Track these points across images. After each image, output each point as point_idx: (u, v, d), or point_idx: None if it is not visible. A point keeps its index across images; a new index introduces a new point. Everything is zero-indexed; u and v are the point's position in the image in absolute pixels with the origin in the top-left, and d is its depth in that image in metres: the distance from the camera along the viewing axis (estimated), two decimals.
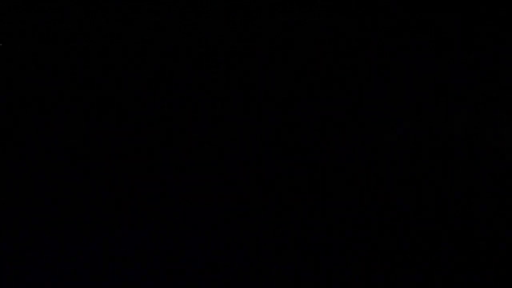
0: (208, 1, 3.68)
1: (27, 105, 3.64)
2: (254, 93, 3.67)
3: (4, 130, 3.63)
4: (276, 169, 3.64)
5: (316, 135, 3.66)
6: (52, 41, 3.65)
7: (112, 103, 3.65)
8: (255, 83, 3.67)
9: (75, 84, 3.65)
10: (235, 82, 3.67)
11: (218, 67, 3.67)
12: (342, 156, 3.64)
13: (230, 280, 3.32)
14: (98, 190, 3.60)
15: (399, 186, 3.62)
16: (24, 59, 3.65)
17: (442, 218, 3.55)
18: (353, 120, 3.67)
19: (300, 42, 3.68)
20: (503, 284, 3.29)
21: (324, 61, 3.68)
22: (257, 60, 3.67)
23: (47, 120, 3.63)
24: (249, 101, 3.67)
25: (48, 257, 3.39)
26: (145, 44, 3.67)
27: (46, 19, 3.65)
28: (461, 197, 3.58)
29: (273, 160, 3.64)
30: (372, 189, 3.62)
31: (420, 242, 3.48)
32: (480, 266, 3.38)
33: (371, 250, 3.46)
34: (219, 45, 3.67)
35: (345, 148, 3.64)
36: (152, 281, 3.32)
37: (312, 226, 3.56)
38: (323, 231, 3.54)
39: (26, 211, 3.55)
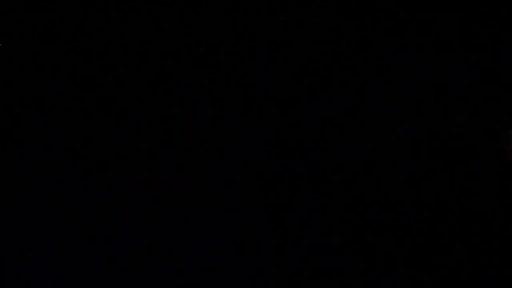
0: (208, 1, 3.68)
1: (27, 105, 3.64)
2: (254, 93, 3.67)
3: (4, 130, 3.63)
4: (276, 169, 3.64)
5: (316, 135, 3.66)
6: (52, 41, 3.65)
7: (112, 103, 3.65)
8: (255, 83, 3.67)
9: (75, 84, 3.65)
10: (235, 82, 3.67)
11: (218, 67, 3.67)
12: (342, 156, 3.64)
13: (230, 280, 3.32)
14: (98, 190, 3.60)
15: (399, 186, 3.62)
16: (24, 59, 3.65)
17: (442, 218, 3.55)
18: (353, 120, 3.67)
19: (300, 42, 3.68)
20: (504, 284, 3.29)
21: (324, 61, 3.68)
22: (257, 60, 3.67)
23: (47, 120, 3.63)
24: (249, 101, 3.67)
25: (48, 257, 3.39)
26: (145, 44, 3.67)
27: (46, 19, 3.65)
28: (461, 197, 3.58)
29: (273, 160, 3.64)
30: (372, 189, 3.62)
31: (420, 242, 3.48)
32: (480, 266, 3.38)
33: (371, 250, 3.46)
34: (219, 45, 3.67)
35: (345, 148, 3.64)
36: (152, 281, 3.32)
37: (312, 226, 3.56)
38: (323, 231, 3.54)
39: (26, 211, 3.55)
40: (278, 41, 3.68)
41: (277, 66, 3.68)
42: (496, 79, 3.64)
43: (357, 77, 3.67)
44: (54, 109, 3.65)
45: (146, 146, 3.65)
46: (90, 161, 3.63)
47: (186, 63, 3.68)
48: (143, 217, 3.56)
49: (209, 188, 3.62)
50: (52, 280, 3.28)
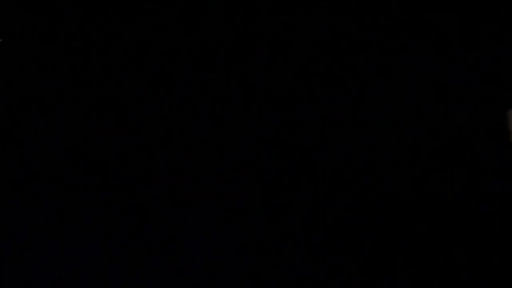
0: (208, 1, 3.68)
1: (27, 105, 3.64)
2: (254, 93, 3.67)
3: (4, 130, 3.63)
4: (276, 169, 3.64)
5: (316, 135, 3.66)
6: (52, 41, 3.65)
7: (112, 103, 3.65)
8: (255, 83, 3.67)
9: (75, 84, 3.65)
10: (235, 82, 3.67)
11: (218, 67, 3.67)
12: (342, 156, 3.64)
13: (230, 280, 3.32)
14: (98, 190, 3.60)
15: (399, 186, 3.62)
16: (24, 59, 3.65)
17: (442, 218, 3.55)
18: (353, 120, 3.67)
19: (300, 42, 3.68)
20: (504, 284, 3.29)
21: (324, 61, 3.68)
22: (257, 60, 3.67)
23: (47, 120, 3.63)
24: (249, 101, 3.67)
25: (48, 257, 3.39)
26: (145, 44, 3.67)
27: (46, 19, 3.65)
28: (461, 197, 3.58)
29: (273, 160, 3.64)
30: (372, 189, 3.62)
31: (420, 242, 3.48)
32: (481, 266, 3.38)
33: (371, 250, 3.46)
34: (219, 45, 3.67)
35: (345, 148, 3.65)
36: (152, 281, 3.32)
37: (312, 226, 3.56)
38: (323, 231, 3.54)
39: (26, 211, 3.55)
40: (278, 41, 3.68)
41: (277, 66, 3.68)
42: (496, 79, 3.64)
43: (357, 77, 3.67)
44: (54, 109, 3.65)
45: (146, 146, 3.65)
46: (90, 161, 3.63)
47: (186, 63, 3.68)
48: (143, 217, 3.56)
49: (209, 188, 3.62)
50: (52, 280, 3.28)
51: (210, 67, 3.68)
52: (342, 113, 3.67)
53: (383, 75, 3.67)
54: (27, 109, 3.65)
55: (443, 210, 3.57)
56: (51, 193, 3.59)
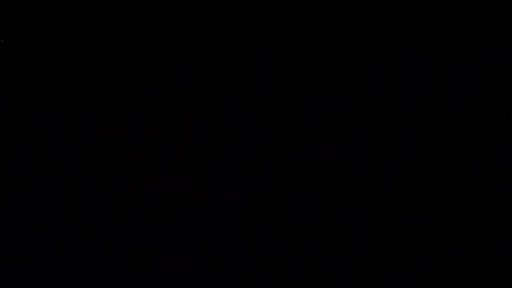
0: (208, 1, 3.67)
1: (27, 105, 3.64)
2: (254, 93, 3.67)
3: (4, 130, 3.63)
4: (276, 169, 3.64)
5: (316, 135, 3.66)
6: (52, 41, 3.65)
7: (112, 103, 3.65)
8: (255, 83, 3.67)
9: (75, 84, 3.65)
10: (235, 82, 3.67)
11: (218, 67, 3.67)
12: (342, 156, 3.64)
13: (230, 280, 3.32)
14: (98, 190, 3.60)
15: (399, 186, 3.61)
16: (24, 59, 3.65)
17: (442, 218, 3.55)
18: (353, 120, 3.66)
19: (300, 42, 3.68)
20: (504, 284, 3.29)
21: (324, 61, 3.68)
22: (257, 60, 3.67)
23: (47, 120, 3.63)
24: (249, 101, 3.67)
25: (48, 257, 3.39)
26: (145, 44, 3.66)
27: (46, 19, 3.65)
28: (461, 197, 3.58)
29: (273, 160, 3.64)
30: (372, 189, 3.61)
31: (421, 241, 3.48)
32: (481, 266, 3.37)
33: (371, 250, 3.46)
34: (219, 45, 3.67)
35: (345, 148, 3.64)
36: (152, 281, 3.32)
37: (312, 226, 3.56)
38: (323, 231, 3.54)
39: (26, 211, 3.55)
40: (278, 41, 3.68)
41: (277, 66, 3.68)
42: (496, 79, 3.64)
43: (357, 77, 3.67)
44: (54, 109, 3.64)
45: (146, 146, 3.64)
46: (90, 161, 3.63)
47: (186, 63, 3.67)
48: (143, 217, 3.56)
49: (209, 188, 3.62)
50: (52, 280, 3.27)
51: (210, 67, 3.68)
52: (342, 113, 3.67)
53: (383, 75, 3.67)
54: (27, 109, 3.65)
55: (443, 210, 3.57)
56: (51, 193, 3.59)
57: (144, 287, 3.32)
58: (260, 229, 3.55)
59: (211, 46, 3.68)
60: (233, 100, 3.67)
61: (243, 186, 3.62)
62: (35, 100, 3.65)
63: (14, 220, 3.53)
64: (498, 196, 3.56)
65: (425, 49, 3.66)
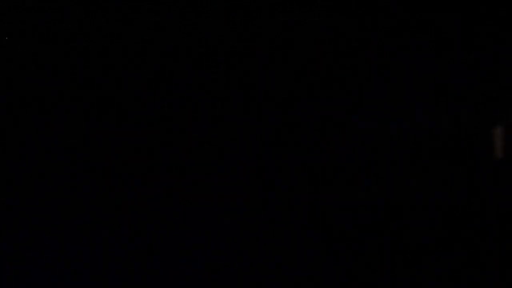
0: (208, 1, 3.67)
1: (27, 105, 3.64)
2: (254, 93, 3.67)
3: (4, 130, 3.63)
4: (276, 169, 3.64)
5: (316, 135, 3.66)
6: (52, 41, 3.65)
7: (112, 103, 3.65)
8: (255, 83, 3.67)
9: (75, 84, 3.65)
10: (235, 82, 3.67)
11: (218, 67, 3.67)
12: (342, 156, 3.64)
13: (229, 280, 3.32)
14: (98, 190, 3.60)
15: (399, 186, 3.61)
16: (24, 59, 3.65)
17: (442, 218, 3.55)
18: (353, 120, 3.66)
19: (300, 42, 3.68)
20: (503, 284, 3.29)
21: (324, 61, 3.68)
22: (257, 60, 3.67)
23: (47, 120, 3.63)
24: (249, 101, 3.67)
25: (48, 257, 3.39)
26: (145, 44, 3.66)
27: (46, 19, 3.65)
28: (461, 197, 3.58)
29: (273, 160, 3.64)
30: (372, 189, 3.61)
31: (420, 241, 3.48)
32: (481, 266, 3.37)
33: (371, 250, 3.46)
34: (219, 45, 3.67)
35: (345, 148, 3.64)
36: (152, 281, 3.32)
37: (312, 226, 3.56)
38: (323, 231, 3.54)
39: (26, 211, 3.55)
40: (278, 41, 3.68)
41: (277, 66, 3.67)
42: (496, 79, 3.64)
43: (357, 77, 3.67)
44: (54, 109, 3.64)
45: (146, 146, 3.64)
46: (90, 161, 3.63)
47: (186, 63, 3.67)
48: (143, 217, 3.56)
49: (209, 188, 3.62)
50: (52, 280, 3.27)
51: (210, 67, 3.68)
52: (342, 113, 3.67)
53: (383, 75, 3.67)
54: (27, 109, 3.64)
55: (443, 209, 3.57)
56: (51, 193, 3.59)
57: (144, 287, 3.32)
58: (260, 229, 3.55)
59: (211, 46, 3.67)
60: (233, 100, 3.67)
61: (243, 186, 3.62)
62: (35, 100, 3.65)
63: (14, 220, 3.52)
64: (498, 196, 3.56)
65: (425, 49, 3.66)
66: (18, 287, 3.28)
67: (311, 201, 3.61)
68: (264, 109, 3.66)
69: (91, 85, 3.65)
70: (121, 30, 3.66)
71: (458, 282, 3.33)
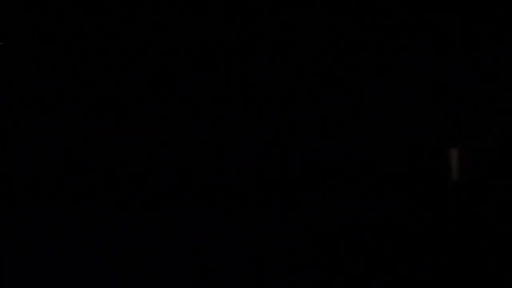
0: (208, 1, 3.68)
1: (27, 105, 3.64)
2: (254, 93, 3.67)
3: (4, 130, 3.63)
4: (276, 169, 3.64)
5: (316, 135, 3.66)
6: (52, 41, 3.65)
7: (112, 103, 3.65)
8: (255, 83, 3.67)
9: (75, 84, 3.65)
10: (235, 82, 3.67)
11: (218, 67, 3.67)
12: (342, 156, 3.65)
13: (230, 280, 3.32)
14: (98, 190, 3.60)
15: (399, 186, 3.62)
16: (24, 59, 3.65)
17: (441, 218, 3.55)
18: (353, 120, 3.67)
19: (300, 42, 3.68)
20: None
21: (324, 61, 3.68)
22: (257, 60, 3.67)
23: (47, 120, 3.63)
24: (249, 101, 3.67)
25: (48, 257, 3.39)
26: (145, 44, 3.67)
27: (46, 19, 3.65)
28: (461, 196, 3.58)
29: (273, 160, 3.64)
30: (372, 189, 3.62)
31: (420, 242, 3.48)
32: (481, 266, 3.38)
33: (370, 250, 3.46)
34: (219, 45, 3.67)
35: (345, 148, 3.65)
36: (152, 281, 3.32)
37: (312, 226, 3.56)
38: (323, 231, 3.54)
39: (26, 211, 3.55)
40: (278, 41, 3.69)
41: (277, 66, 3.68)
42: (496, 79, 3.64)
43: (357, 77, 3.67)
44: (54, 109, 3.65)
45: (146, 146, 3.65)
46: (89, 161, 3.63)
47: (186, 63, 3.68)
48: (143, 217, 3.56)
49: (209, 188, 3.62)
50: (52, 280, 3.28)
51: (210, 67, 3.68)
52: (342, 113, 3.68)
53: (383, 75, 3.67)
54: (27, 109, 3.65)
55: (443, 210, 3.57)
56: (51, 193, 3.59)
57: (144, 287, 3.32)
58: (260, 229, 3.55)
59: (211, 46, 3.68)
60: (233, 100, 3.67)
61: (243, 186, 3.63)
62: (35, 100, 3.65)
63: (14, 220, 3.53)
64: (498, 196, 3.56)
65: (425, 49, 3.66)
66: (18, 287, 3.28)
67: (311, 201, 3.61)
68: (264, 109, 3.67)
69: (91, 85, 3.66)
70: (121, 30, 3.67)
71: (458, 282, 3.34)
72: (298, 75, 3.68)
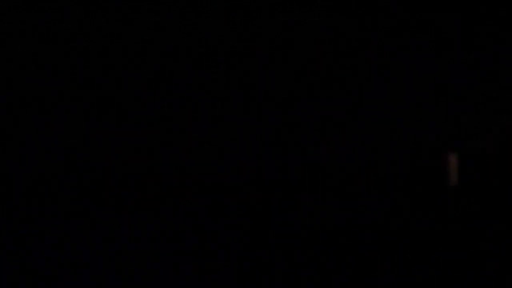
0: (208, 1, 3.68)
1: (27, 105, 3.64)
2: (254, 93, 3.67)
3: (4, 130, 3.63)
4: (276, 169, 3.64)
5: (316, 135, 3.66)
6: (52, 41, 3.65)
7: (112, 103, 3.65)
8: (255, 83, 3.67)
9: (75, 84, 3.65)
10: (235, 82, 3.67)
11: (218, 67, 3.67)
12: (342, 156, 3.64)
13: (229, 280, 3.32)
14: (98, 190, 3.60)
15: (399, 186, 3.62)
16: (24, 59, 3.65)
17: (442, 218, 3.55)
18: (353, 120, 3.66)
19: (300, 42, 3.68)
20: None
21: (324, 61, 3.68)
22: (257, 60, 3.67)
23: (47, 120, 3.63)
24: (249, 101, 3.67)
25: (48, 257, 3.39)
26: (145, 44, 3.66)
27: (46, 19, 3.65)
28: (461, 197, 3.58)
29: (273, 160, 3.64)
30: (371, 189, 3.61)
31: (419, 242, 3.48)
32: (482, 266, 3.38)
33: (370, 250, 3.46)
34: (219, 45, 3.67)
35: (345, 148, 3.64)
36: (152, 281, 3.32)
37: (312, 226, 3.56)
38: (323, 231, 3.54)
39: (26, 211, 3.55)
40: (278, 41, 3.68)
41: (277, 66, 3.68)
42: (496, 79, 3.64)
43: (357, 77, 3.67)
44: (54, 109, 3.64)
45: (146, 146, 3.64)
46: (89, 161, 3.63)
47: (186, 63, 3.67)
48: (143, 217, 3.56)
49: (209, 188, 3.62)
50: (52, 280, 3.27)
51: (210, 67, 3.68)
52: (342, 113, 3.67)
53: (383, 75, 3.67)
54: (27, 109, 3.64)
55: (443, 210, 3.57)
56: (51, 193, 3.59)
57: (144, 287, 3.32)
58: (260, 229, 3.55)
59: (211, 46, 3.68)
60: (233, 100, 3.67)
61: (243, 186, 3.62)
62: (35, 100, 3.65)
63: (14, 220, 3.53)
64: (498, 196, 3.56)
65: (425, 49, 3.66)
66: (18, 287, 3.28)
67: (311, 201, 3.61)
68: (264, 109, 3.66)
69: (91, 85, 3.65)
70: (121, 30, 3.66)
71: (458, 282, 3.34)
72: (298, 75, 3.68)
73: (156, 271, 3.38)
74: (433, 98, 3.65)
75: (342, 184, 3.62)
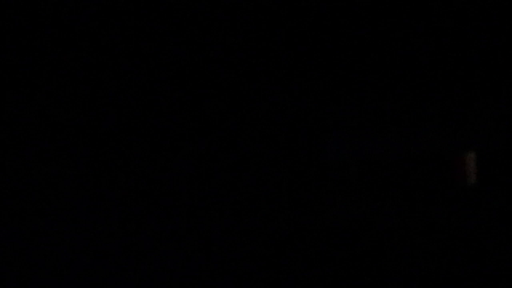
0: (208, 1, 3.68)
1: (27, 105, 3.65)
2: (254, 93, 3.67)
3: (4, 130, 3.63)
4: (276, 169, 3.64)
5: (316, 135, 3.66)
6: (52, 41, 3.65)
7: (112, 103, 3.65)
8: (255, 83, 3.67)
9: (75, 84, 3.66)
10: (235, 82, 3.67)
11: (218, 67, 3.68)
12: (342, 156, 3.65)
13: (230, 280, 3.33)
14: (98, 190, 3.60)
15: (399, 186, 3.62)
16: (24, 59, 3.65)
17: (442, 219, 3.55)
18: (353, 119, 3.67)
19: (300, 42, 3.68)
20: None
21: (324, 61, 3.68)
22: (257, 60, 3.67)
23: (47, 120, 3.64)
24: (249, 101, 3.67)
25: (48, 257, 3.39)
26: (145, 44, 3.67)
27: (46, 19, 3.65)
28: (460, 197, 3.58)
29: (273, 160, 3.65)
30: (371, 190, 3.62)
31: (419, 243, 3.48)
32: (482, 266, 3.38)
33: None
34: (219, 45, 3.68)
35: (345, 149, 3.65)
36: (152, 281, 3.32)
37: (311, 226, 3.56)
38: (322, 231, 3.54)
39: (26, 211, 3.55)
40: (278, 41, 3.69)
41: (277, 66, 3.68)
42: (496, 79, 3.64)
43: (357, 77, 3.67)
44: (54, 109, 3.65)
45: (146, 146, 3.65)
46: (89, 161, 3.64)
47: (186, 63, 3.68)
48: (143, 217, 3.57)
49: (209, 188, 3.63)
50: (52, 280, 3.28)
51: (210, 67, 3.68)
52: (342, 113, 3.68)
53: (383, 75, 3.67)
54: (27, 109, 3.65)
55: (443, 210, 3.57)
56: (51, 193, 3.60)
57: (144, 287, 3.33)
58: (260, 229, 3.55)
59: (211, 46, 3.68)
60: (233, 100, 3.68)
61: (243, 186, 3.63)
62: (35, 100, 3.65)
63: (14, 220, 3.53)
64: (498, 196, 3.56)
65: (425, 49, 3.66)
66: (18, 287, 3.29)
67: (311, 201, 3.61)
68: (264, 109, 3.67)
69: (91, 85, 3.66)
70: (121, 30, 3.67)
71: (458, 282, 3.34)
72: (298, 75, 3.68)
73: (156, 271, 3.38)
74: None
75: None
